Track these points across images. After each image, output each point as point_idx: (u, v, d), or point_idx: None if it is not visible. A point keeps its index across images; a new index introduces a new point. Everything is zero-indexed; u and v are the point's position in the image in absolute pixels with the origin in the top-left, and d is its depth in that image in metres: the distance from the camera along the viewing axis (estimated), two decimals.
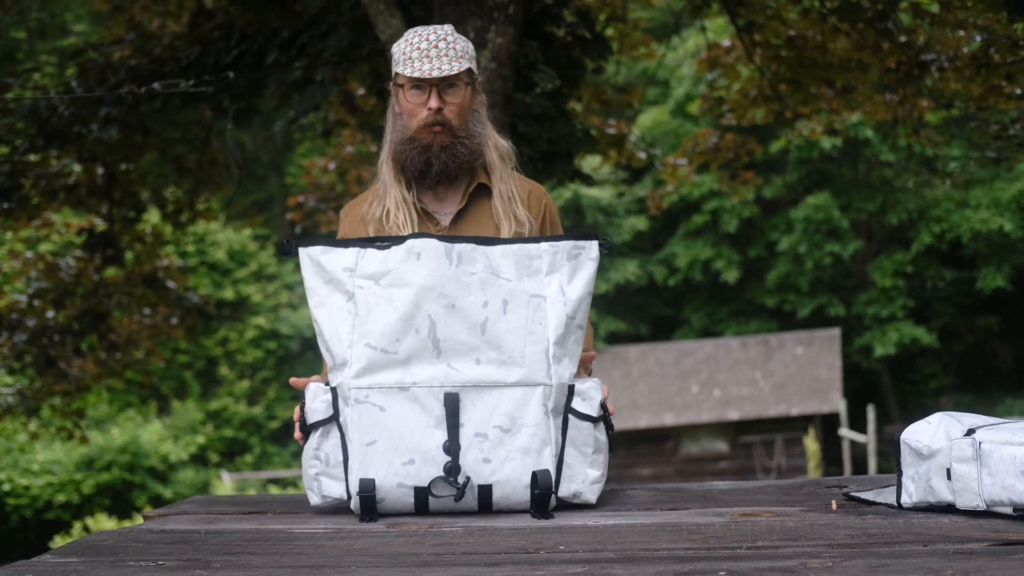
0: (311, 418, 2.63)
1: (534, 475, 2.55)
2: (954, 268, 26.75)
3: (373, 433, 2.56)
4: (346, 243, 2.62)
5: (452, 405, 2.55)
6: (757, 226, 27.37)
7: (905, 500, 2.42)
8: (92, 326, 10.25)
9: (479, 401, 2.56)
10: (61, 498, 22.42)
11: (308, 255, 2.65)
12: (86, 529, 18.82)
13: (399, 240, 2.59)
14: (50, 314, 10.22)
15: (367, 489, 2.54)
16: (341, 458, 2.61)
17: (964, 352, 27.54)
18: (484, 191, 2.99)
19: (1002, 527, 2.18)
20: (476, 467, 2.55)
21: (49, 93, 8.18)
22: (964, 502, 2.29)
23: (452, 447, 2.54)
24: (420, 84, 2.87)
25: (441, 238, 2.57)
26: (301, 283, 29.57)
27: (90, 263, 10.13)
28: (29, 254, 11.28)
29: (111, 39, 8.68)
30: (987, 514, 2.26)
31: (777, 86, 8.79)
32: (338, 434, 2.61)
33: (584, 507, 2.63)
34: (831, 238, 25.88)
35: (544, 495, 2.54)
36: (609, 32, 9.15)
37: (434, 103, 2.86)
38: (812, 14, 7.97)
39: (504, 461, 2.56)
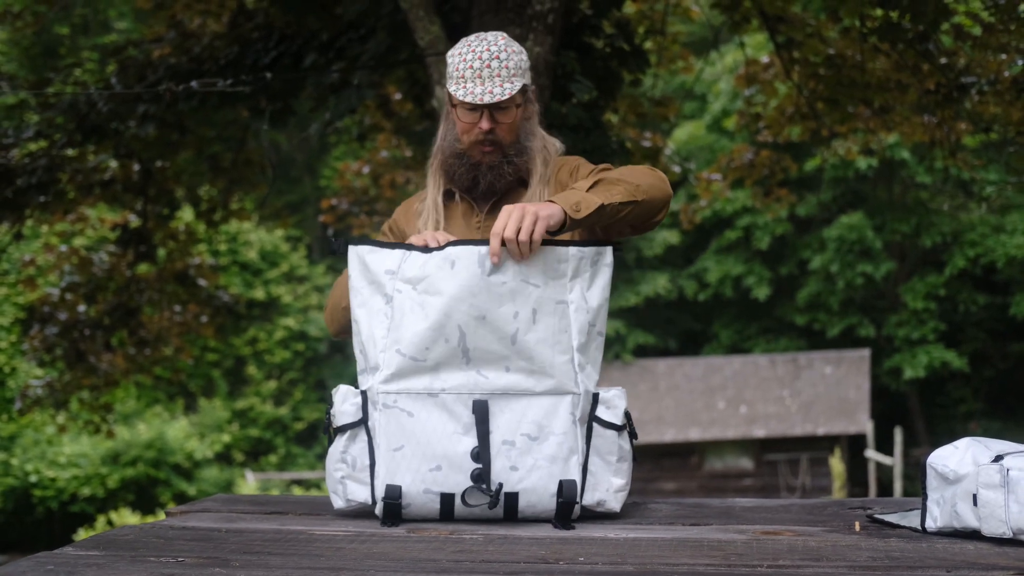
0: (339, 421, 2.63)
1: (560, 484, 2.55)
2: (987, 293, 26.55)
3: (400, 438, 2.56)
4: (393, 245, 2.62)
5: (481, 412, 2.55)
6: (789, 244, 27.27)
7: (930, 524, 2.39)
8: (123, 321, 10.31)
9: (507, 408, 2.56)
10: (86, 491, 22.56)
11: (356, 253, 2.66)
12: (110, 523, 18.93)
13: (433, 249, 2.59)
14: (82, 308, 10.28)
15: (393, 495, 2.55)
16: (368, 462, 2.61)
17: (995, 378, 27.32)
18: (520, 188, 2.99)
19: None
20: (503, 474, 2.55)
21: (89, 89, 8.24)
22: (990, 529, 2.26)
23: (483, 454, 2.54)
24: (474, 106, 2.86)
25: (477, 243, 2.55)
26: (331, 285, 29.72)
27: (123, 259, 10.19)
28: (63, 248, 11.36)
29: (152, 37, 8.74)
30: (1013, 542, 2.24)
31: (814, 104, 8.76)
32: (366, 438, 2.62)
33: (605, 519, 2.62)
34: (864, 258, 25.75)
35: (568, 504, 2.54)
36: (647, 45, 9.14)
37: (485, 124, 2.86)
38: (852, 33, 7.93)
39: (531, 469, 2.56)
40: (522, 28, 5.51)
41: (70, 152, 8.63)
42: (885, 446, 25.03)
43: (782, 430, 24.01)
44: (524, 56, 2.93)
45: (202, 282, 10.96)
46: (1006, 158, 9.13)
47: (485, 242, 2.54)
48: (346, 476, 2.63)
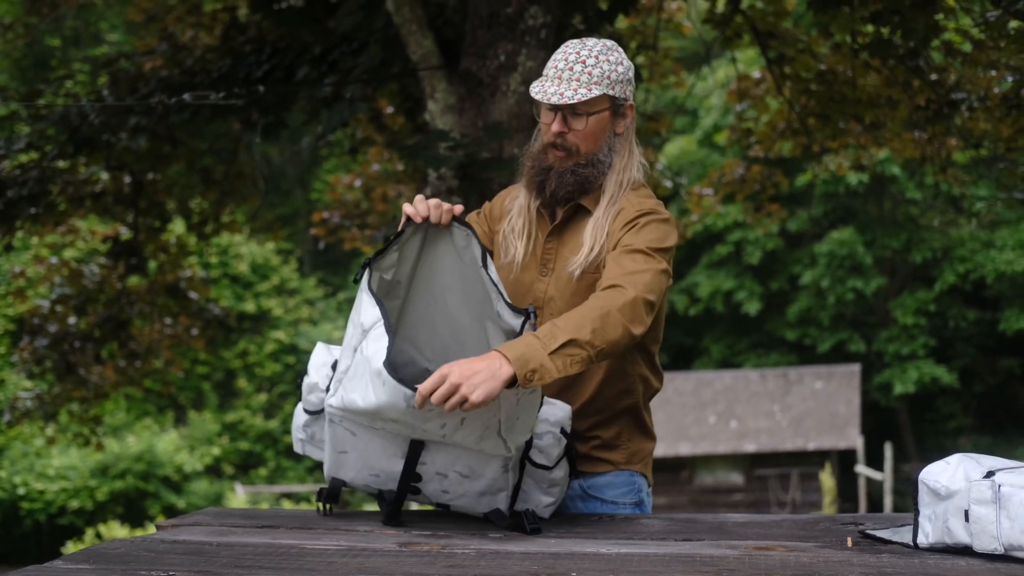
0: (305, 405, 2.85)
1: (486, 514, 2.70)
2: (977, 308, 26.62)
3: (345, 446, 2.67)
4: (379, 302, 2.58)
5: (415, 451, 2.63)
6: (780, 259, 27.31)
7: (921, 540, 2.39)
8: (113, 333, 10.28)
9: (443, 450, 2.62)
10: (75, 504, 22.48)
11: (366, 280, 2.67)
12: (98, 536, 18.85)
13: (389, 343, 2.52)
14: (72, 320, 10.25)
15: (335, 487, 2.74)
16: (325, 439, 2.73)
17: (984, 393, 27.37)
18: (585, 214, 2.94)
19: (1019, 572, 2.15)
20: (435, 495, 2.70)
21: (81, 100, 8.23)
22: (981, 545, 2.26)
23: (406, 481, 2.67)
24: (552, 106, 2.84)
25: (402, 383, 2.44)
26: (322, 299, 29.71)
27: (113, 271, 10.17)
28: (53, 260, 11.33)
29: (144, 49, 8.74)
30: (1004, 558, 2.24)
31: (806, 119, 8.78)
32: (325, 421, 2.71)
33: (598, 534, 2.61)
34: (854, 273, 25.80)
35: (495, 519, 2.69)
36: (640, 60, 9.16)
37: (556, 127, 2.84)
38: (843, 49, 7.95)
39: (461, 496, 2.68)
40: (514, 43, 5.51)
41: (61, 164, 8.62)
42: (875, 461, 25.04)
43: (772, 445, 24.01)
44: (620, 69, 2.87)
45: (193, 295, 10.93)
46: (996, 174, 9.16)
47: (407, 385, 2.45)
48: (305, 441, 2.88)
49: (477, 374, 2.39)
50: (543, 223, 2.97)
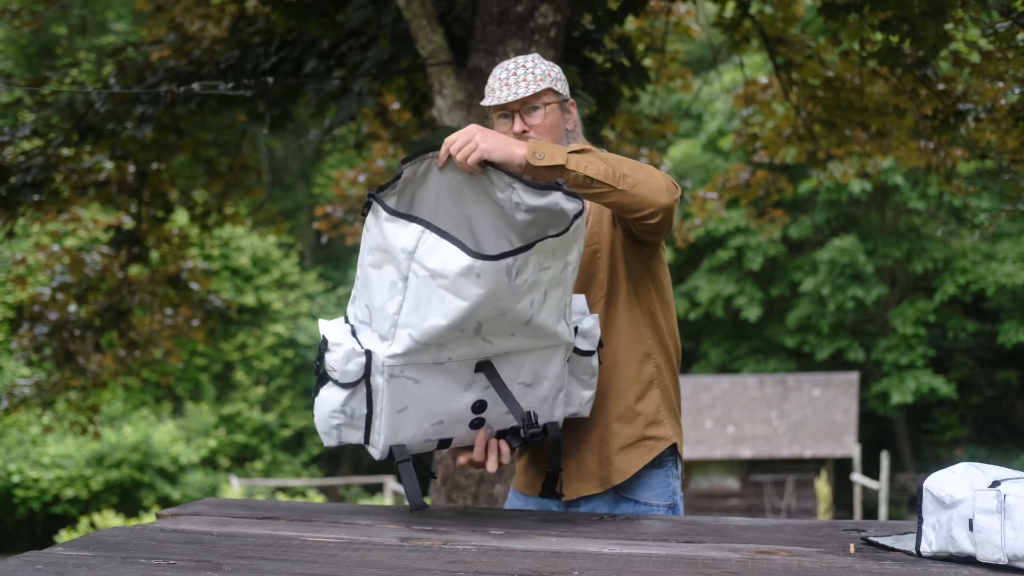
0: (343, 379, 2.65)
1: (545, 427, 2.81)
2: (976, 320, 26.62)
3: (405, 401, 2.63)
4: (411, 218, 2.54)
5: (489, 371, 2.68)
6: (781, 265, 27.30)
7: (924, 548, 2.38)
8: (113, 323, 10.27)
9: (507, 363, 2.69)
10: (69, 493, 22.46)
11: (375, 214, 2.59)
12: (92, 525, 18.84)
13: (457, 241, 2.52)
14: (72, 308, 10.24)
15: (398, 454, 2.67)
16: (365, 412, 2.67)
17: (981, 405, 27.37)
18: None
19: None
20: (498, 420, 2.76)
21: (87, 88, 8.22)
22: (985, 554, 2.25)
23: (504, 398, 2.71)
24: (505, 112, 2.99)
25: (501, 257, 2.49)
26: (322, 293, 29.70)
27: (115, 260, 10.16)
28: (55, 248, 11.32)
29: (151, 39, 8.73)
30: (1008, 568, 2.23)
31: (811, 126, 8.77)
32: (365, 391, 2.65)
33: (600, 534, 2.60)
34: (855, 282, 25.80)
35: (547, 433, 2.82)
36: (647, 62, 9.15)
37: (517, 127, 2.97)
38: (852, 56, 7.95)
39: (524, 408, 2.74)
40: (524, 40, 5.51)
41: (65, 152, 8.61)
42: (871, 470, 25.04)
43: (769, 451, 24.01)
44: (557, 69, 3.07)
45: (194, 286, 10.91)
46: (1000, 186, 9.15)
47: (507, 255, 2.50)
48: (343, 424, 2.69)
49: (496, 137, 2.66)
50: None
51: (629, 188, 2.73)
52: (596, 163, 2.71)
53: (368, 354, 2.61)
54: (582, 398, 2.91)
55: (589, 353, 2.86)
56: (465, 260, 2.46)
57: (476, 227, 2.78)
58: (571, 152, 2.71)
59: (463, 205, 2.75)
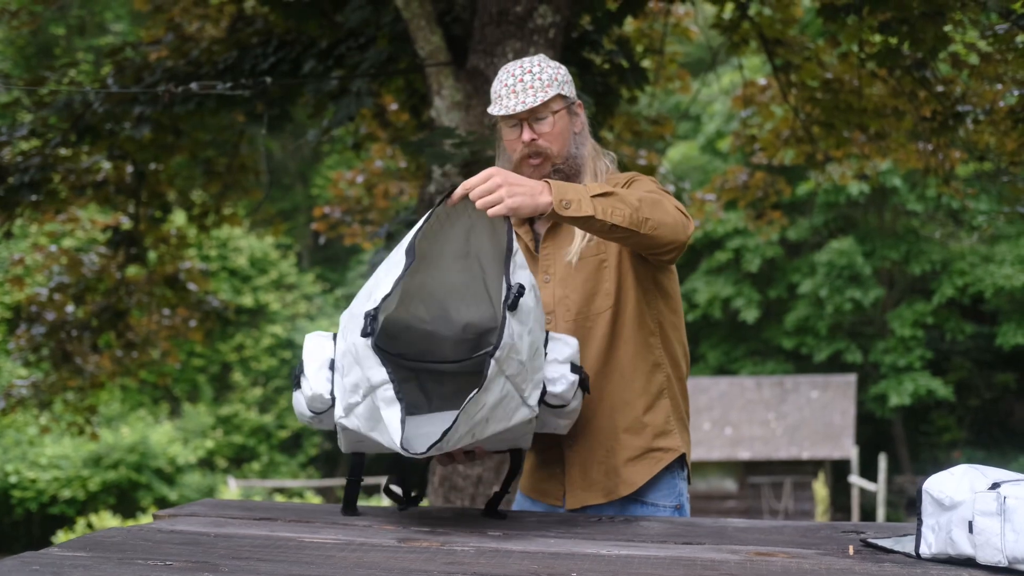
0: (311, 410, 2.70)
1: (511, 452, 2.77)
2: (975, 322, 26.63)
3: (361, 436, 2.59)
4: (386, 359, 2.46)
5: None
6: (779, 267, 27.31)
7: (924, 550, 2.38)
8: (111, 323, 10.26)
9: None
10: (67, 493, 22.45)
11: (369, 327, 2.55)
12: (90, 526, 18.83)
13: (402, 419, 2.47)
14: (70, 309, 10.23)
15: (355, 463, 2.73)
16: (333, 423, 2.67)
17: (979, 407, 27.38)
18: None
19: None
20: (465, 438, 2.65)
21: (85, 88, 8.21)
22: (985, 557, 2.25)
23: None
24: (513, 120, 2.93)
25: (427, 451, 2.39)
26: (319, 294, 29.68)
27: (113, 260, 10.15)
28: (53, 248, 11.30)
29: (149, 39, 8.72)
30: (1008, 571, 2.22)
31: (810, 128, 8.77)
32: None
33: (598, 536, 2.59)
34: (853, 284, 25.81)
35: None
36: (646, 63, 9.15)
37: (527, 136, 2.92)
38: (850, 58, 7.95)
39: (487, 440, 2.60)
40: (523, 41, 5.50)
41: (63, 152, 8.60)
42: (869, 472, 25.04)
43: (766, 453, 24.01)
44: (563, 71, 2.99)
45: (192, 286, 10.91)
46: (999, 188, 9.15)
47: (432, 446, 2.38)
48: (315, 421, 2.74)
49: (521, 185, 2.52)
50: (531, 239, 3.03)
51: (651, 231, 2.70)
52: (620, 208, 2.64)
53: (333, 400, 2.63)
54: (556, 426, 2.81)
55: (562, 407, 2.74)
56: (396, 445, 2.40)
57: (484, 261, 2.76)
58: (594, 197, 2.61)
59: (472, 239, 2.74)
